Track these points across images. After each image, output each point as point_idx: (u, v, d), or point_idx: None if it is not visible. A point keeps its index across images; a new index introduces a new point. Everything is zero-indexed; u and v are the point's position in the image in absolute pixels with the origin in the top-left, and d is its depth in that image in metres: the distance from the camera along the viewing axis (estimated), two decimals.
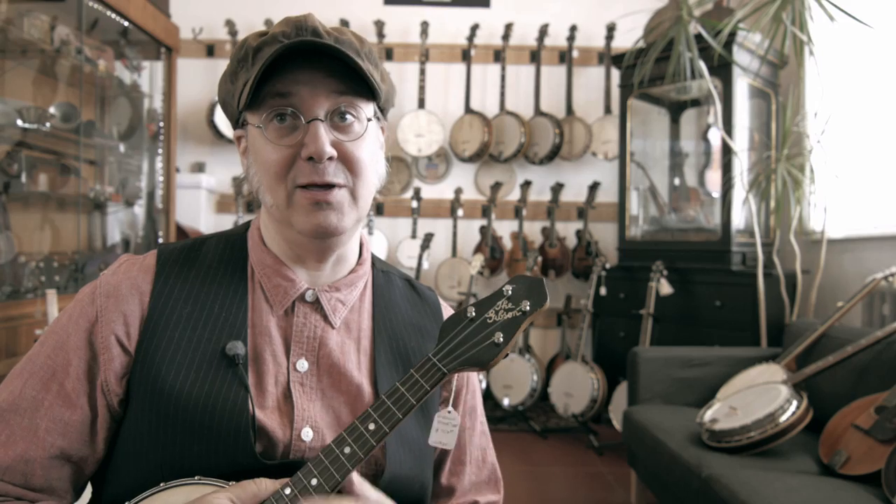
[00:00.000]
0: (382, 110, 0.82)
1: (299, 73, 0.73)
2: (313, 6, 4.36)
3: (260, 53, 0.73)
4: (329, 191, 0.74)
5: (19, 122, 2.63)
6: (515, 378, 3.58)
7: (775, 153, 3.02)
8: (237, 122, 0.80)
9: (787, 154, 2.92)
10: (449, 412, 0.88)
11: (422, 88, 3.97)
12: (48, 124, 2.78)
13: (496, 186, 3.94)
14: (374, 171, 0.79)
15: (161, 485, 0.68)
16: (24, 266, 2.53)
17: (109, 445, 0.75)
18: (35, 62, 2.87)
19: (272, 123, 0.73)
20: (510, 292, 0.74)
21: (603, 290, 3.44)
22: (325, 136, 0.72)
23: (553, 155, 3.92)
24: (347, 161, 0.75)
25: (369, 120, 0.77)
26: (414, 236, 3.96)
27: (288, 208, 0.75)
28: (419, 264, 3.76)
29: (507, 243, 3.99)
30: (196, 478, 0.68)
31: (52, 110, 2.90)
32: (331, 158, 0.73)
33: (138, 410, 0.73)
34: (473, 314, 0.74)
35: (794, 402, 1.82)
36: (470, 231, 4.07)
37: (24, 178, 2.62)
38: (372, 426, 0.68)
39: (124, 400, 0.74)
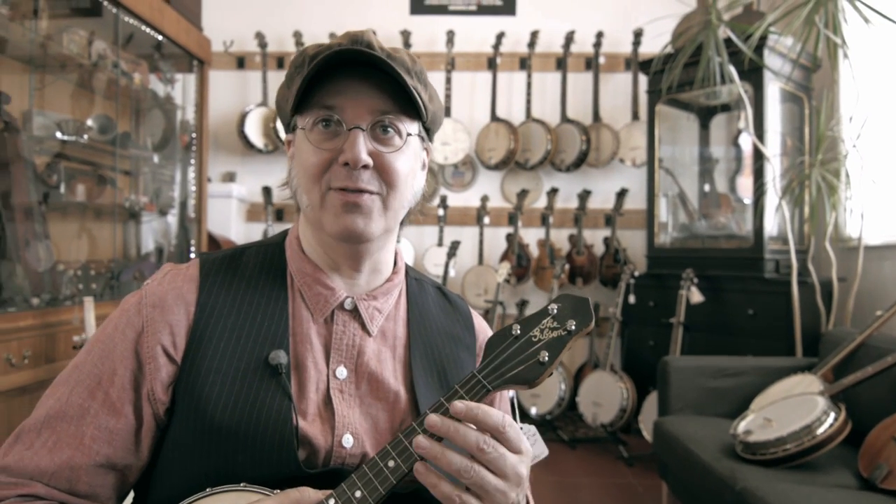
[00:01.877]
0: (428, 131, 0.83)
1: (348, 84, 0.75)
2: (340, 17, 4.43)
3: (315, 61, 0.75)
4: (360, 194, 0.75)
5: (58, 135, 2.72)
6: (543, 387, 3.55)
7: (809, 158, 2.95)
8: (289, 127, 0.82)
9: (822, 159, 2.86)
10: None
11: (448, 97, 3.99)
12: (86, 136, 2.86)
13: (522, 194, 3.93)
14: (409, 185, 0.80)
15: (207, 490, 0.68)
16: (62, 274, 2.60)
17: (154, 453, 0.76)
18: (73, 76, 2.96)
19: (317, 127, 0.76)
20: (555, 311, 0.74)
21: (632, 298, 3.40)
22: (362, 145, 0.74)
23: (580, 162, 3.89)
24: (383, 171, 0.76)
25: (409, 135, 0.78)
26: (440, 244, 3.96)
27: (320, 209, 0.77)
28: (445, 272, 3.76)
29: (534, 251, 3.97)
30: (242, 484, 0.69)
31: (89, 122, 2.98)
32: (366, 167, 0.75)
33: (183, 419, 0.74)
34: (518, 332, 0.73)
35: (832, 414, 1.77)
36: (496, 239, 4.06)
37: (62, 189, 2.70)
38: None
39: (170, 409, 0.75)
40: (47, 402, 0.74)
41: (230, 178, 4.17)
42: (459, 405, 0.66)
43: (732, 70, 2.85)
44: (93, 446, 0.72)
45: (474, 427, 0.66)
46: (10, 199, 2.29)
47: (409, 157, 0.79)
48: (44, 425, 0.72)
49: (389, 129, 0.76)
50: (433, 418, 0.66)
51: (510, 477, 0.65)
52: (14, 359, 2.11)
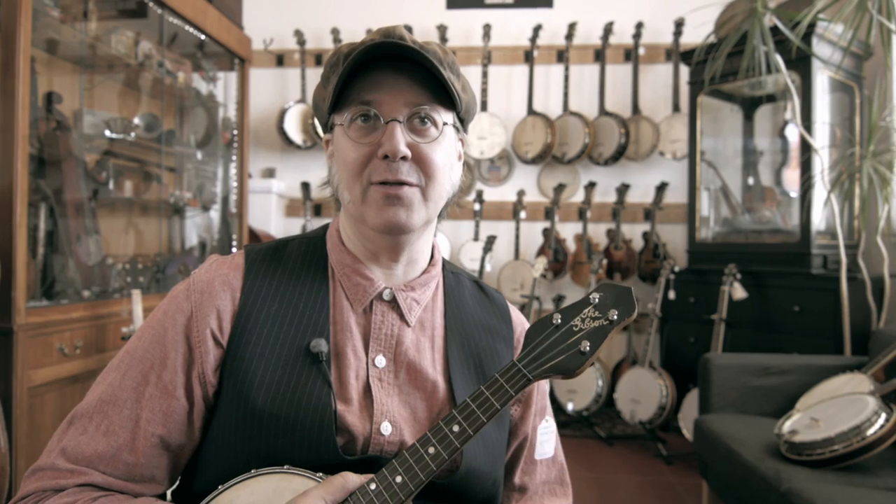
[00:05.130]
0: (462, 121, 0.84)
1: (383, 78, 0.76)
2: (377, 13, 4.45)
3: (350, 58, 0.76)
4: (400, 187, 0.76)
5: (107, 133, 2.81)
6: (580, 382, 3.52)
7: (860, 150, 2.84)
8: (326, 126, 0.84)
9: (874, 150, 2.75)
10: (546, 422, 0.89)
11: (484, 91, 3.97)
12: (133, 134, 2.95)
13: (559, 188, 3.89)
14: (447, 175, 0.81)
15: (252, 471, 0.70)
16: (111, 267, 2.69)
17: (203, 435, 0.79)
18: (121, 76, 3.06)
19: (355, 123, 0.77)
20: (597, 300, 0.73)
21: (672, 294, 3.34)
22: (400, 137, 0.75)
23: (618, 155, 3.83)
24: (421, 162, 0.77)
25: (445, 124, 0.79)
26: (476, 239, 3.96)
27: (362, 204, 0.78)
28: (482, 266, 3.76)
29: (571, 246, 3.93)
30: (285, 466, 0.70)
31: (136, 121, 3.08)
32: (404, 158, 0.76)
33: (227, 402, 0.76)
34: (559, 321, 0.73)
35: (883, 415, 1.71)
36: (532, 233, 4.03)
37: (111, 185, 2.80)
38: (456, 428, 0.69)
39: (218, 391, 0.77)
40: (99, 387, 0.77)
41: (270, 173, 4.25)
42: None
43: (779, 59, 2.76)
44: (148, 428, 0.74)
45: None
46: (62, 195, 2.38)
47: (446, 148, 0.80)
48: (96, 410, 0.74)
49: (426, 120, 0.77)
50: None
51: None
52: (66, 349, 2.20)
